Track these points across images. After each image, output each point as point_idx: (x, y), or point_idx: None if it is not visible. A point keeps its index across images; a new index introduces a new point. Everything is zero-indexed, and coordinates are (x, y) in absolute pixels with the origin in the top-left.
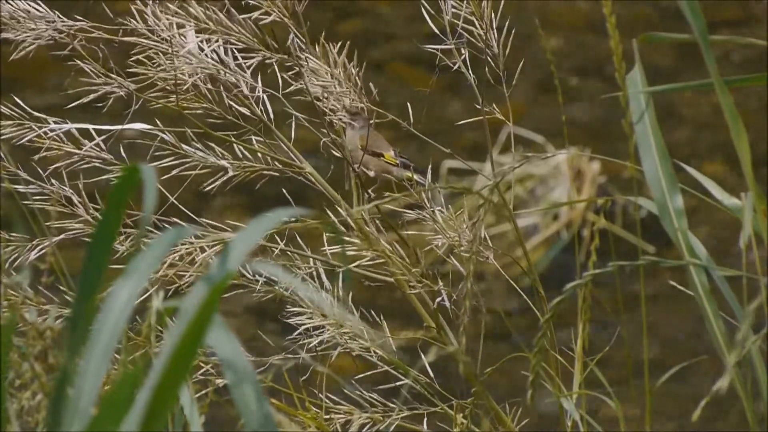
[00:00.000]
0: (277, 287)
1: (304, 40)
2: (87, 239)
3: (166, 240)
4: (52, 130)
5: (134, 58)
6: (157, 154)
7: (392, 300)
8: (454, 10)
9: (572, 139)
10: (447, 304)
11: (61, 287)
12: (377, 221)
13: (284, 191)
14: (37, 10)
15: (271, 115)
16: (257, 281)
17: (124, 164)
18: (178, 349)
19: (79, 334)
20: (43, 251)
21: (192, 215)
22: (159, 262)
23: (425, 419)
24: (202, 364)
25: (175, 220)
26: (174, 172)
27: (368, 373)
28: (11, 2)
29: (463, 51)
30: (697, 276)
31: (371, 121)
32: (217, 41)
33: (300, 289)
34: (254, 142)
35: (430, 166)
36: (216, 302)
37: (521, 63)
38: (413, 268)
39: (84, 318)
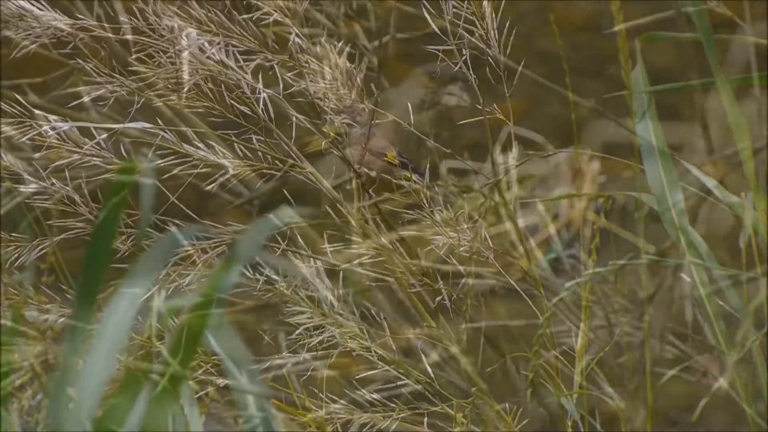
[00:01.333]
0: (277, 286)
1: (305, 41)
2: (88, 237)
3: (170, 242)
4: (53, 129)
5: (135, 56)
6: (157, 152)
7: (392, 299)
8: (454, 10)
9: (572, 139)
10: (447, 303)
11: (63, 286)
12: (378, 220)
13: (284, 191)
14: (38, 8)
15: (272, 115)
16: (257, 280)
17: (124, 160)
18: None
19: (79, 333)
20: (44, 250)
21: (192, 215)
22: (163, 265)
23: (425, 419)
24: (202, 364)
25: (175, 221)
26: (175, 170)
27: (368, 372)
28: (12, 1)
29: (464, 51)
30: (697, 275)
31: (372, 121)
32: (218, 43)
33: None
34: (254, 141)
35: (428, 166)
36: (217, 305)
37: (521, 63)
38: (413, 266)
39: (84, 316)
